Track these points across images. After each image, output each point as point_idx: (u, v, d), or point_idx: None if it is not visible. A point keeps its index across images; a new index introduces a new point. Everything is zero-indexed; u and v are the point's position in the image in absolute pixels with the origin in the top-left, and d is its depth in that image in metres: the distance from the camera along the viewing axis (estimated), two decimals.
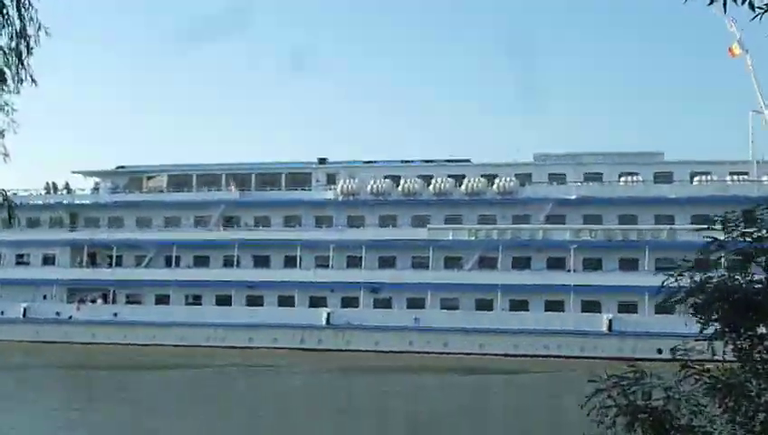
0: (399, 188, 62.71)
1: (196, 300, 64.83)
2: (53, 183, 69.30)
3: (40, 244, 67.24)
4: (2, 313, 65.39)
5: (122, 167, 69.50)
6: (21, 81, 8.76)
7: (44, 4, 8.72)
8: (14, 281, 66.28)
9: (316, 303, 62.12)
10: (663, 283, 8.37)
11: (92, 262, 67.19)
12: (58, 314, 64.81)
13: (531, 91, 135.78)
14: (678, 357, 8.20)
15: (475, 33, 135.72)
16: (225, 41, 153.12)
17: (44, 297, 66.78)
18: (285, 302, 62.73)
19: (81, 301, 65.08)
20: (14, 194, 67.65)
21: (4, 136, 9.13)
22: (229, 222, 65.56)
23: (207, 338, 61.56)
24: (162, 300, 64.68)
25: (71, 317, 64.44)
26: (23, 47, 8.65)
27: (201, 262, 65.27)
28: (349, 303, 61.82)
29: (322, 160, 65.46)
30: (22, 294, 66.04)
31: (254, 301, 63.34)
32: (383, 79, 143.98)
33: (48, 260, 67.48)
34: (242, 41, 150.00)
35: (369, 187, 62.78)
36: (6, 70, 8.84)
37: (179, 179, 67.49)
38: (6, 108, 8.96)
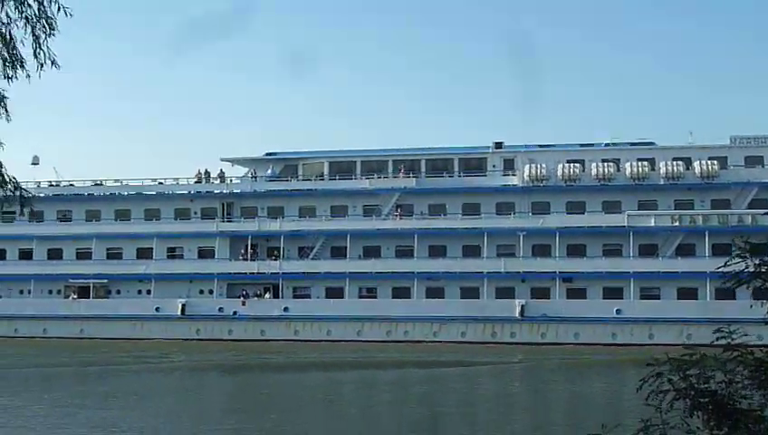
0: (590, 172, 59.50)
1: (370, 293, 61.16)
2: (207, 171, 65.06)
3: (194, 236, 63.27)
4: (157, 309, 61.35)
5: (272, 154, 65.61)
6: (41, 64, 8.53)
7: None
8: (168, 276, 62.36)
9: (503, 294, 58.73)
10: (726, 263, 7.95)
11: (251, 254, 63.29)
12: (221, 309, 60.89)
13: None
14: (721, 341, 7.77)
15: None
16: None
17: (200, 292, 62.84)
18: (469, 294, 59.34)
19: (245, 296, 61.13)
20: (160, 183, 64.25)
21: None
22: (398, 210, 61.89)
23: (387, 333, 58.06)
24: (333, 293, 60.98)
25: (235, 313, 60.54)
26: (40, 31, 8.43)
27: (371, 253, 61.59)
28: (539, 294, 58.53)
29: (499, 145, 61.98)
30: (175, 290, 62.16)
31: (435, 293, 59.83)
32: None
33: (204, 253, 63.42)
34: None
35: (558, 171, 59.54)
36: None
37: (341, 166, 63.70)
38: None
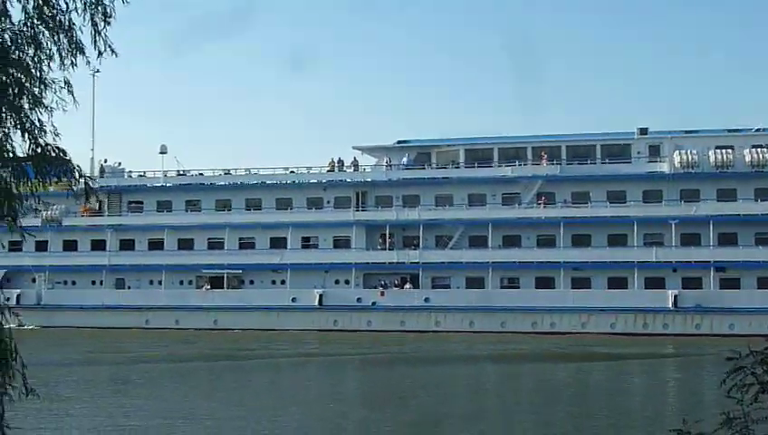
0: (743, 158, 57.55)
1: (512, 283, 59.73)
2: (340, 160, 63.89)
3: (329, 225, 62.21)
4: (293, 300, 60.39)
5: (404, 141, 64.34)
6: (100, 52, 8.68)
7: None
8: (303, 266, 61.39)
9: (653, 284, 57.02)
10: None
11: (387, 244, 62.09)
12: (359, 300, 59.77)
13: None
14: None
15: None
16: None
17: (336, 283, 61.77)
18: (616, 284, 57.70)
19: (383, 285, 59.96)
20: (292, 172, 63.27)
21: (52, 114, 8.68)
22: (541, 199, 60.33)
23: (533, 324, 56.61)
24: (474, 283, 59.63)
25: (374, 303, 59.39)
26: (98, 18, 8.52)
27: (511, 242, 60.12)
28: (691, 284, 56.75)
29: (644, 131, 60.12)
30: (311, 280, 61.19)
31: (580, 283, 58.26)
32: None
33: (339, 243, 62.31)
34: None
35: (711, 158, 57.68)
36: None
37: (477, 154, 62.25)
38: (54, 85, 8.59)
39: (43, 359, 39.88)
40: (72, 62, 8.65)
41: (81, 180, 9.21)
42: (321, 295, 59.94)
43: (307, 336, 57.58)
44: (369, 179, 63.09)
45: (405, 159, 62.60)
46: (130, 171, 67.06)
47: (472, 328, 57.09)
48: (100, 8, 8.51)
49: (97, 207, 66.90)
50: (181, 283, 64.02)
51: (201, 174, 65.95)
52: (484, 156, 61.95)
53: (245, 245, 63.42)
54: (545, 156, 60.52)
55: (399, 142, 64.26)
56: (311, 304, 60.00)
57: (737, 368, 7.64)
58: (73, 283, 65.73)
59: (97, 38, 8.60)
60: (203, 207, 64.82)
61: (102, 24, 8.55)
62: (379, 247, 61.26)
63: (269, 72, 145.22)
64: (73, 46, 8.61)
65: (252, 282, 63.07)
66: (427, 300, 58.82)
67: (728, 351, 8.10)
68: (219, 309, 61.07)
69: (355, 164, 64.04)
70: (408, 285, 60.02)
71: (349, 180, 63.57)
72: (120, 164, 68.93)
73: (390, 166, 62.89)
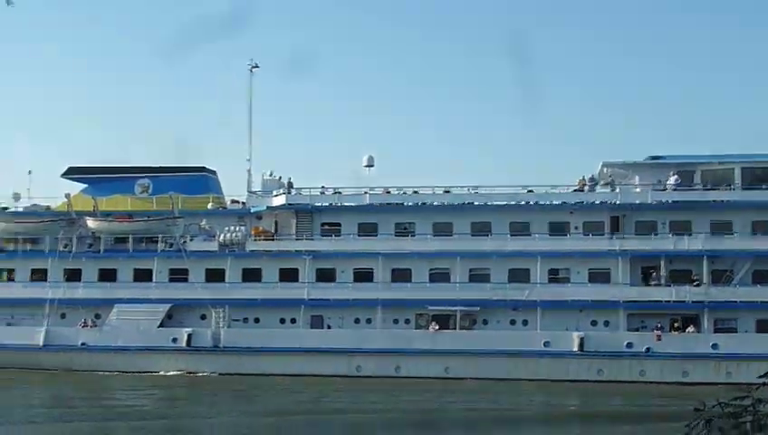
0: None
1: None
2: (592, 178, 53.81)
3: (583, 255, 52.03)
4: (545, 344, 50.10)
5: (658, 157, 54.50)
6: None
7: None
8: (554, 304, 51.25)
9: None
10: None
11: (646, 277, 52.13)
12: (629, 345, 49.59)
13: None
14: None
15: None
16: None
17: (592, 324, 51.49)
18: None
19: (660, 328, 49.91)
20: (530, 191, 53.36)
21: None
22: None
23: None
24: (764, 327, 49.78)
25: (648, 350, 49.30)
26: None
27: None
28: None
29: None
30: (560, 321, 51.17)
31: None
32: None
33: (596, 276, 52.07)
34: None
35: None
36: None
37: (756, 173, 52.62)
38: None
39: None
40: None
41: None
42: (582, 339, 49.67)
43: (560, 388, 47.62)
44: (630, 201, 52.94)
45: (672, 179, 52.62)
46: (323, 187, 56.24)
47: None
48: None
49: (273, 230, 56.30)
50: (395, 321, 53.35)
51: (416, 192, 55.42)
52: (766, 175, 52.39)
53: (477, 277, 52.94)
54: None
55: (653, 158, 54.39)
56: (568, 349, 49.75)
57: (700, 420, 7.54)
58: (256, 320, 54.68)
59: None
60: (417, 231, 54.33)
61: None
62: (652, 283, 51.13)
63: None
64: None
65: (485, 322, 52.59)
66: (714, 346, 48.78)
67: None
68: (450, 354, 50.58)
69: (611, 183, 53.89)
70: (690, 328, 49.96)
71: (602, 202, 53.44)
72: (280, 178, 58.22)
73: (664, 187, 52.85)
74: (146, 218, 56.10)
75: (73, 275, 55.58)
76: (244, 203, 58.20)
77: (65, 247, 55.98)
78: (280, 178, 58.09)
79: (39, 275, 56.53)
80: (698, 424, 7.31)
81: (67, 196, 57.60)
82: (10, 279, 57.53)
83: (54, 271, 55.74)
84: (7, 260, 57.63)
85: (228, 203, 58.80)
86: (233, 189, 60.08)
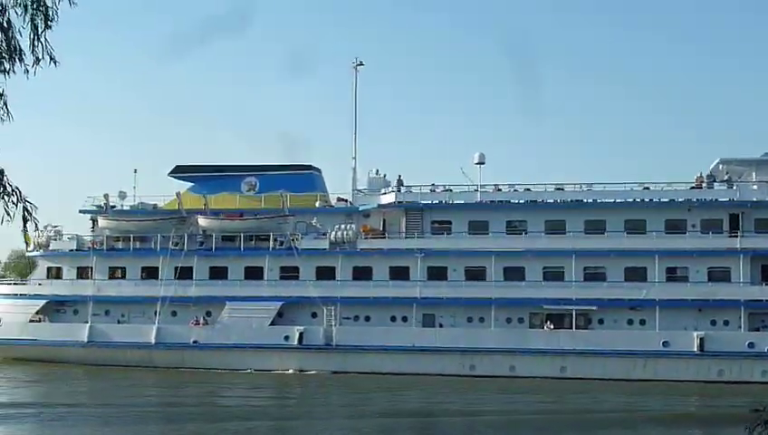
0: None
1: None
2: (711, 174, 52.85)
3: (703, 253, 51.14)
4: (664, 344, 49.34)
5: None
6: (38, 59, 8.05)
7: None
8: (672, 303, 50.46)
9: None
10: None
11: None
12: (751, 345, 48.53)
13: None
14: None
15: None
16: None
17: (712, 323, 50.59)
18: None
19: None
20: (646, 189, 52.61)
21: None
22: None
23: None
24: None
25: None
26: (39, 20, 7.88)
27: None
28: None
29: None
30: (678, 320, 50.51)
31: None
32: None
33: (716, 275, 51.18)
34: None
35: None
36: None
37: None
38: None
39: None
40: (6, 70, 7.95)
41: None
42: (702, 339, 48.85)
43: (680, 388, 46.82)
44: (749, 198, 51.93)
45: None
46: (433, 185, 55.95)
47: None
48: (41, 9, 7.82)
49: (381, 228, 56.15)
50: (508, 320, 52.93)
51: (527, 189, 54.95)
52: None
53: (592, 276, 52.33)
54: None
55: None
56: (688, 349, 48.96)
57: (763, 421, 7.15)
58: (367, 318, 54.61)
59: (36, 42, 8.01)
60: (529, 229, 53.83)
61: (42, 26, 8.02)
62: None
63: None
64: (12, 51, 7.87)
65: (600, 321, 51.97)
66: None
67: None
68: (568, 353, 50.05)
69: (728, 180, 52.91)
70: None
71: (721, 199, 52.50)
72: (385, 176, 58.09)
73: (763, 183, 51.80)
74: (257, 216, 56.27)
75: (185, 273, 55.90)
76: (349, 201, 58.21)
77: (176, 245, 56.33)
78: (385, 175, 58.03)
79: (150, 273, 57.03)
80: (757, 426, 6.88)
81: (178, 194, 57.92)
82: (121, 277, 58.13)
83: (166, 269, 56.16)
84: (118, 258, 58.23)
85: (334, 201, 58.76)
86: (334, 187, 60.07)
